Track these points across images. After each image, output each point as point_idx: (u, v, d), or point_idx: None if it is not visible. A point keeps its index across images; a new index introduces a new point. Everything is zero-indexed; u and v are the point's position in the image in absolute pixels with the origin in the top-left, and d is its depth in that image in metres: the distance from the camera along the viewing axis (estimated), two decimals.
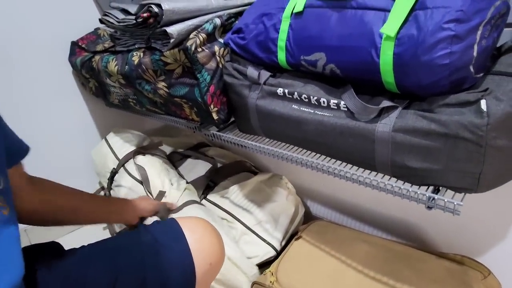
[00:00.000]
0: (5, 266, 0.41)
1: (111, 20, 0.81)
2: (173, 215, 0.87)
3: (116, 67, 0.86)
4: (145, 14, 0.70)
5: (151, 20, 0.70)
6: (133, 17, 0.74)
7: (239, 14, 0.75)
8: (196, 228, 0.60)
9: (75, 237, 1.24)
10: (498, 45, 0.51)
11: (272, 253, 0.90)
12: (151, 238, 0.58)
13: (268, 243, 0.91)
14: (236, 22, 0.73)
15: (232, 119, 0.80)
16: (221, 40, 0.73)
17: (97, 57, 0.94)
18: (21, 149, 0.54)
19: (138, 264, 0.55)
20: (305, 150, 0.67)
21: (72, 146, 1.20)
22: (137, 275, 0.54)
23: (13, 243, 0.43)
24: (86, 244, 0.59)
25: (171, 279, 0.54)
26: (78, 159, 1.21)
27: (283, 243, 0.94)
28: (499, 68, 0.47)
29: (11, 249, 0.43)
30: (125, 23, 0.78)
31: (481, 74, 0.47)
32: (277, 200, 0.98)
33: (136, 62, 0.79)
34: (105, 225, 1.19)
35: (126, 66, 0.83)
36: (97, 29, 1.10)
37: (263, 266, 0.88)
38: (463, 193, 0.50)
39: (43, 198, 0.60)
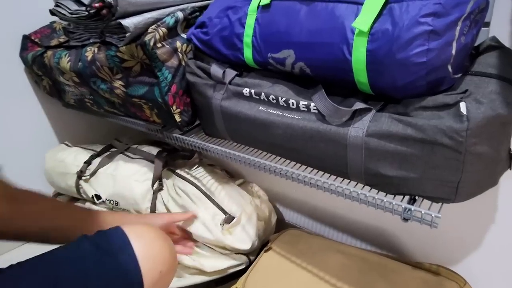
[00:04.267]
0: None
1: (63, 12, 0.73)
2: None
3: (69, 63, 0.78)
4: (97, 4, 0.63)
5: (104, 12, 0.63)
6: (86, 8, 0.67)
7: (205, 8, 0.69)
8: (143, 234, 0.57)
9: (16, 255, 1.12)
10: (475, 44, 0.47)
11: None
12: (93, 246, 0.54)
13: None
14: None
15: (198, 121, 0.74)
16: (184, 36, 0.67)
17: (49, 53, 0.85)
18: None
19: (78, 273, 0.51)
20: (274, 156, 0.62)
21: (25, 150, 1.10)
22: (77, 285, 0.50)
23: None
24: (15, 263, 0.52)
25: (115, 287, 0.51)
26: (33, 164, 1.10)
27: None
28: (478, 68, 0.44)
29: None
30: (77, 15, 0.70)
31: (460, 75, 0.44)
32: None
33: (89, 58, 0.72)
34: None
35: (79, 63, 0.75)
36: (52, 22, 1.00)
37: (231, 279, 0.82)
38: (440, 204, 0.46)
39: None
